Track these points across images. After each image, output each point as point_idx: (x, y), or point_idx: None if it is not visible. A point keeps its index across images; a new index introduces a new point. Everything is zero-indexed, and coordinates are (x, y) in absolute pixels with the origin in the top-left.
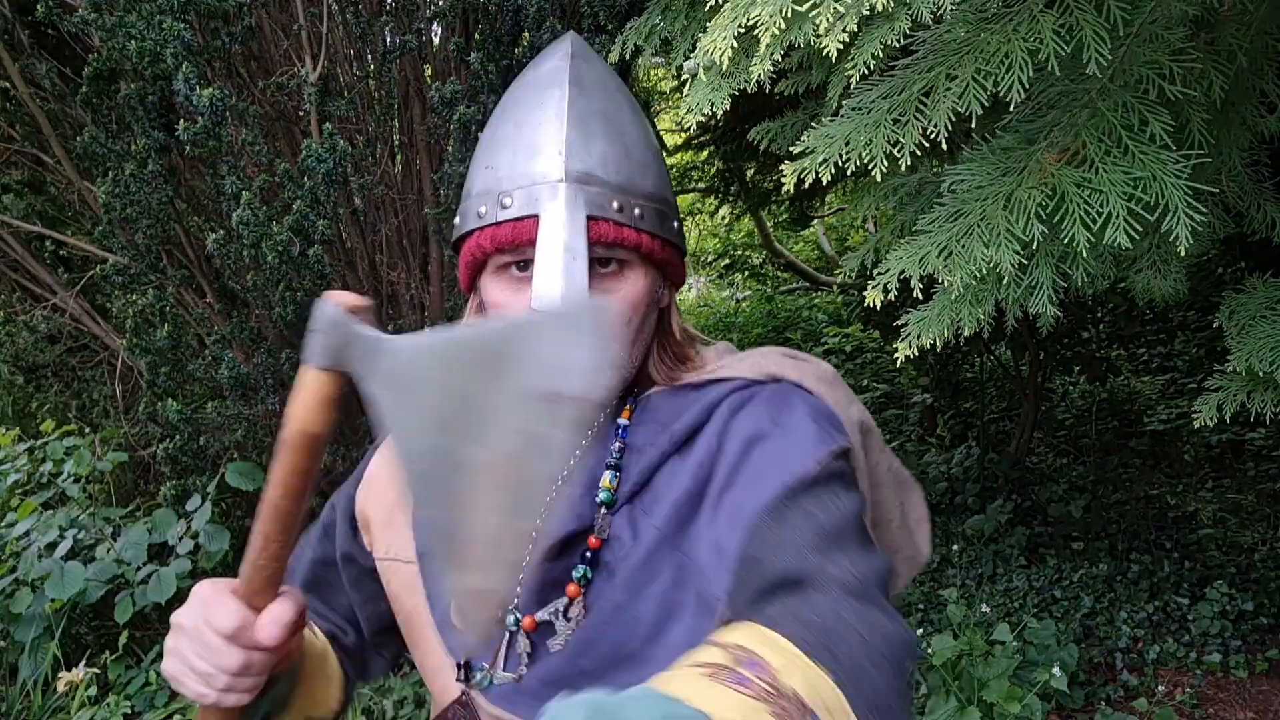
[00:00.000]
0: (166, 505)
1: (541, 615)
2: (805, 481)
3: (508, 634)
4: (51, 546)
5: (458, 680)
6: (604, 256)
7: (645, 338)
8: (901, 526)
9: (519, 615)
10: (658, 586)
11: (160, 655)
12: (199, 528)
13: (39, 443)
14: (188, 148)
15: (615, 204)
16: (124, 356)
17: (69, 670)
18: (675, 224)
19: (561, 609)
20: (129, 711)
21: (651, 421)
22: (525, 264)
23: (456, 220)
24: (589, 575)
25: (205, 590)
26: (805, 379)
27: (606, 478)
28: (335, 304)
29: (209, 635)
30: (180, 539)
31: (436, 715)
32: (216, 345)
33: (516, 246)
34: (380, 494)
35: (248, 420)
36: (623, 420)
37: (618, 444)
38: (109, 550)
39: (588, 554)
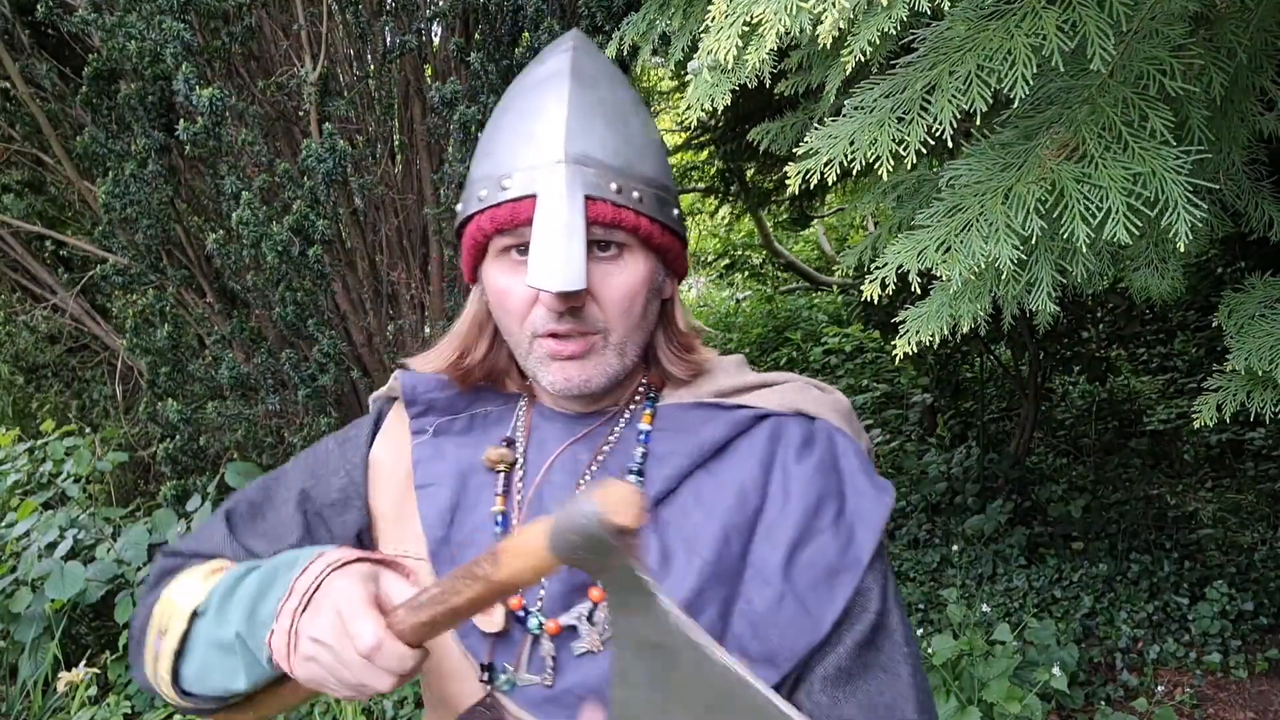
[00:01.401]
0: (166, 505)
1: (565, 619)
2: (868, 568)
3: (530, 637)
4: (51, 546)
5: (481, 681)
6: (603, 239)
7: (648, 326)
8: None
9: (542, 619)
10: (703, 621)
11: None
12: None
13: (39, 443)
14: (188, 148)
15: (614, 185)
16: (124, 356)
17: (69, 670)
18: (675, 211)
19: (586, 613)
20: (129, 711)
21: (674, 430)
22: (525, 248)
23: (458, 207)
24: None
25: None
26: (824, 412)
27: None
28: (606, 523)
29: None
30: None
31: (459, 717)
32: (216, 345)
33: (515, 226)
34: (387, 486)
35: (248, 420)
36: (644, 425)
37: (640, 450)
38: (109, 550)
39: None
